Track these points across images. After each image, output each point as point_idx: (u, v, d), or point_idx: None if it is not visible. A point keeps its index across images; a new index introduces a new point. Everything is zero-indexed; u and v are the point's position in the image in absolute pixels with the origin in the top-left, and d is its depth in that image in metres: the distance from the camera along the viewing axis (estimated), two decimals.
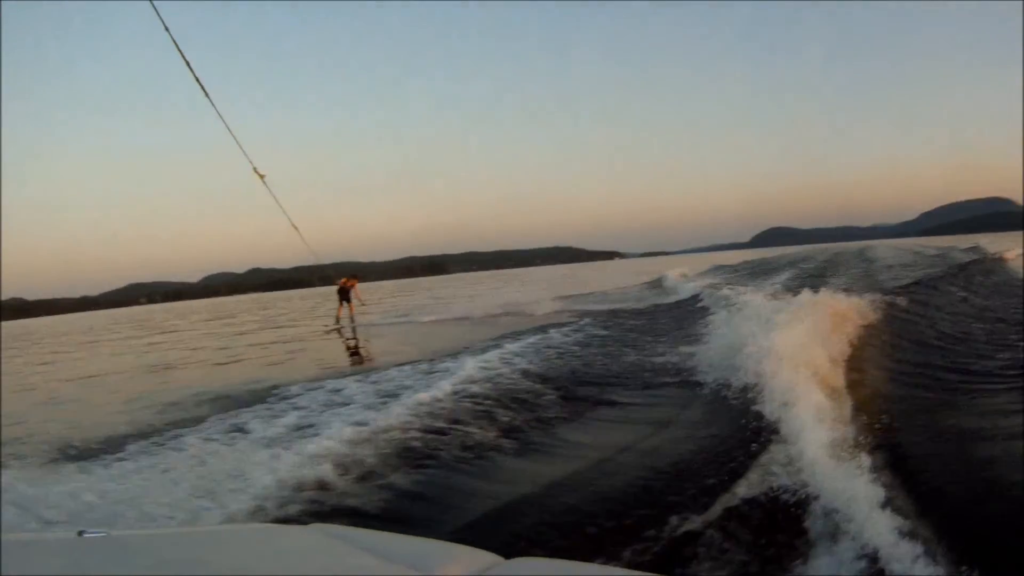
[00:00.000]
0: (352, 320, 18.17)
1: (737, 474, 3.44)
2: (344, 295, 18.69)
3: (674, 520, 3.00)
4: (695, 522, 3.00)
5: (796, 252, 47.58)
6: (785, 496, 3.10)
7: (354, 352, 12.83)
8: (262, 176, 9.45)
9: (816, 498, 2.98)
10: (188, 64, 6.40)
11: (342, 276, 19.10)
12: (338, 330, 17.04)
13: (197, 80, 6.74)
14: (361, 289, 19.38)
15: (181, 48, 6.02)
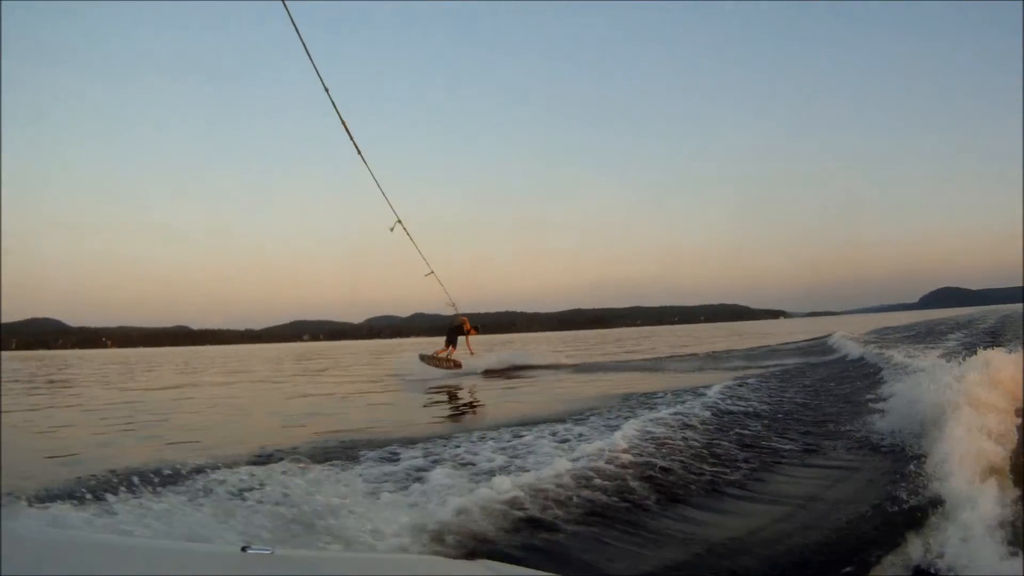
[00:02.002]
0: (448, 362, 17.92)
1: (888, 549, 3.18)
2: (454, 336, 18.28)
3: None
4: None
5: (967, 313, 43.95)
6: None
7: None
8: (399, 220, 10.29)
9: None
10: (345, 125, 7.50)
11: (468, 322, 18.70)
12: (437, 365, 17.42)
13: (351, 139, 7.87)
14: (519, 342, 19.77)
15: (339, 110, 7.25)
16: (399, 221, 9.58)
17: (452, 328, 18.19)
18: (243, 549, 1.34)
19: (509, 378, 16.92)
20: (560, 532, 3.82)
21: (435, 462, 5.75)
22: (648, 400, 9.80)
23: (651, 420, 7.08)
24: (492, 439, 6.90)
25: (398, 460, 5.91)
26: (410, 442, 6.81)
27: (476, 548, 3.50)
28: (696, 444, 6.15)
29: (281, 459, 5.47)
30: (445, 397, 13.42)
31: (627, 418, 7.61)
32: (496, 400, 12.77)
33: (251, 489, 4.15)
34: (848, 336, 23.09)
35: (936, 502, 3.56)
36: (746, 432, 6.92)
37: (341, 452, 6.39)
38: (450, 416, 10.71)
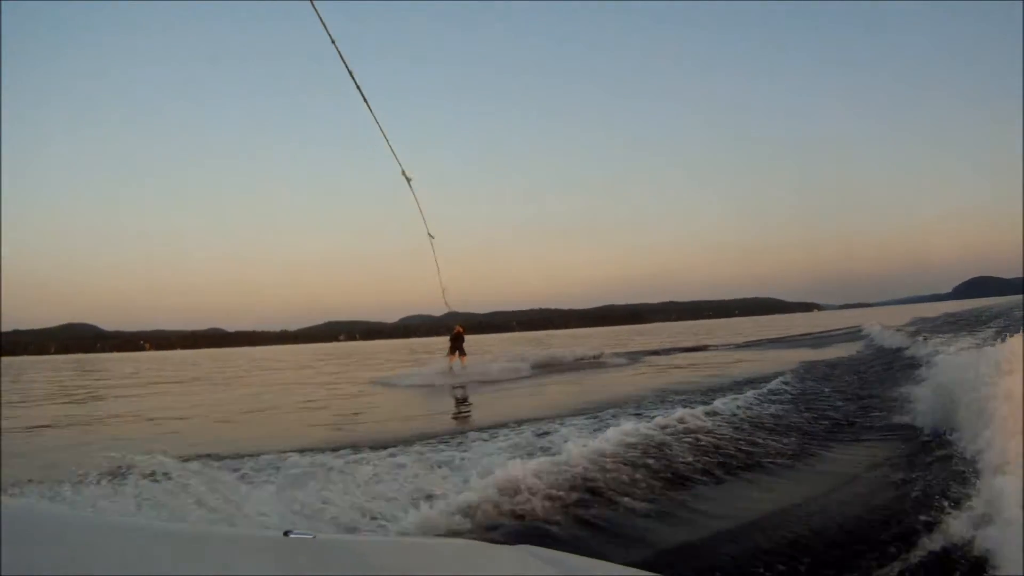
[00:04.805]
0: (464, 368, 18.23)
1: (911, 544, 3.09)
2: (457, 344, 19.05)
3: None
4: None
5: (1002, 302, 43.45)
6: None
7: None
8: (409, 179, 10.12)
9: None
10: (355, 80, 4.91)
11: (458, 326, 19.44)
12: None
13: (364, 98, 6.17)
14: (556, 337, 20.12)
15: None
16: (430, 235, 9.27)
17: (455, 337, 19.44)
18: (285, 533, 1.34)
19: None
20: (604, 515, 3.97)
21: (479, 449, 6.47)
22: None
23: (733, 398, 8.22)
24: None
25: (441, 449, 6.57)
26: (459, 432, 7.66)
27: (518, 532, 3.58)
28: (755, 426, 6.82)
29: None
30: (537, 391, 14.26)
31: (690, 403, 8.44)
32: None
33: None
34: (884, 326, 23.73)
35: (970, 487, 3.47)
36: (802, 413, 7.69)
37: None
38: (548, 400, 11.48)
